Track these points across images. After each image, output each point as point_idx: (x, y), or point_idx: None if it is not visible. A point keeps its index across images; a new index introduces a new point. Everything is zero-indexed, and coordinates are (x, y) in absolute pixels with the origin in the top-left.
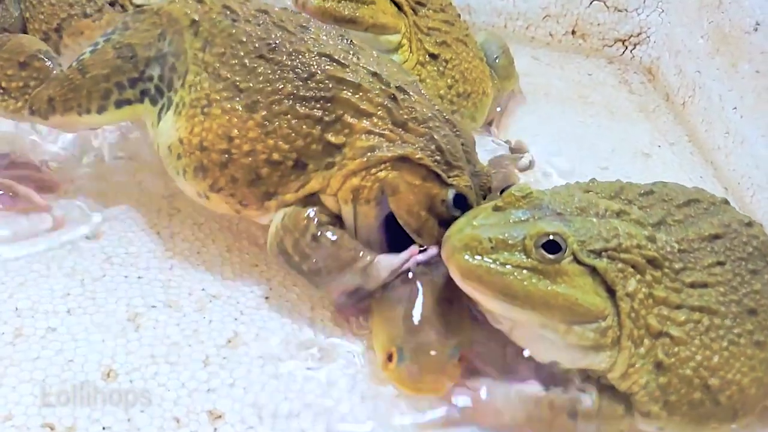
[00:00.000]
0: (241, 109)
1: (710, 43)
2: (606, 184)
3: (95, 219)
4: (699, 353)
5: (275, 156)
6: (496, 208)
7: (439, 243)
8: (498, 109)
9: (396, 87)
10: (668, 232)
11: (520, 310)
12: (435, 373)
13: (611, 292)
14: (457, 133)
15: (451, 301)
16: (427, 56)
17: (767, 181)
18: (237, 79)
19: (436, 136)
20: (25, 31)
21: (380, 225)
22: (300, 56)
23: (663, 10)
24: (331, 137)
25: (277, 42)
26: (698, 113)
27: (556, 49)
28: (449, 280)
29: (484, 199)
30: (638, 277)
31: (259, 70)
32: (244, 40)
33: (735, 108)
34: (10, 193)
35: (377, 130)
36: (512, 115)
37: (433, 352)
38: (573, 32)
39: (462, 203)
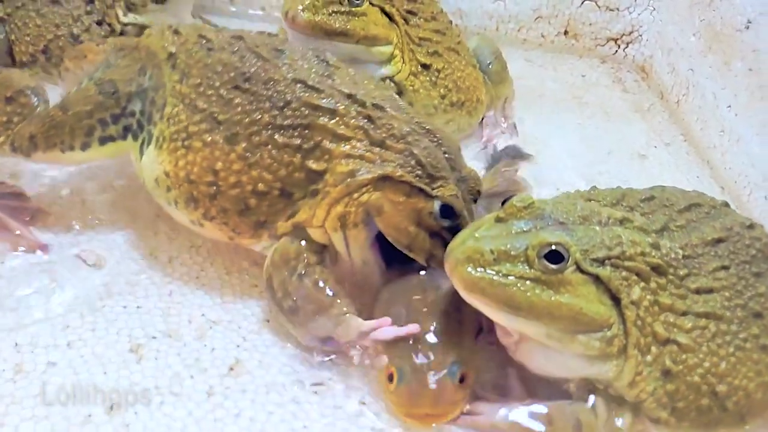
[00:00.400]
0: (221, 141)
1: (702, 41)
2: (607, 192)
3: (90, 245)
4: (707, 360)
5: (260, 187)
6: (498, 220)
7: (431, 255)
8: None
9: (372, 105)
10: (672, 238)
11: (525, 321)
12: (434, 394)
13: (616, 300)
14: (439, 142)
15: (451, 318)
16: (419, 66)
17: (764, 179)
18: (214, 110)
19: (415, 151)
20: (11, 54)
21: (373, 245)
22: (275, 85)
23: (654, 9)
24: (312, 164)
25: (252, 71)
26: (693, 112)
27: (548, 51)
28: (448, 297)
29: (475, 202)
30: (642, 284)
31: (236, 101)
32: (220, 69)
33: (729, 106)
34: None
35: (356, 153)
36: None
37: (432, 372)
38: (565, 33)
39: (449, 213)
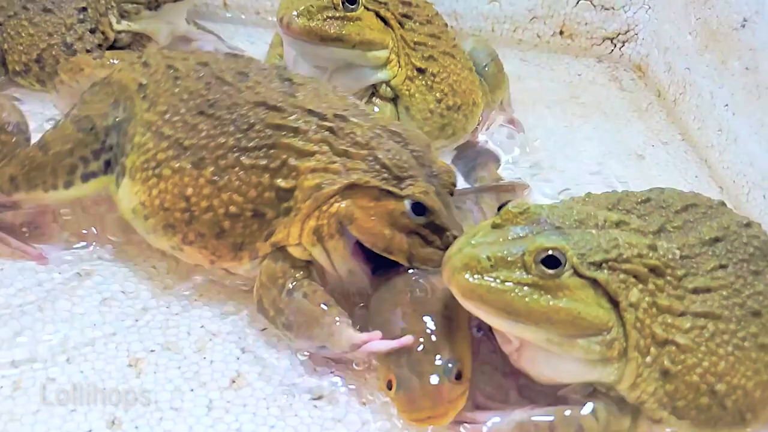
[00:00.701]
0: (189, 167)
1: (699, 40)
2: (602, 196)
3: (87, 258)
4: (705, 360)
5: (232, 209)
6: (495, 226)
7: (412, 255)
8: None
9: (334, 116)
10: (669, 239)
11: (524, 327)
12: (432, 395)
13: (614, 303)
14: (405, 142)
15: (440, 314)
16: (415, 71)
17: (762, 178)
18: (180, 136)
19: (379, 155)
20: (4, 63)
21: (355, 253)
22: (238, 108)
23: (650, 7)
24: (281, 182)
25: (216, 96)
26: (690, 111)
27: (544, 51)
28: (435, 293)
29: (452, 195)
30: (641, 286)
31: (200, 127)
32: (185, 97)
33: (726, 105)
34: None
35: (321, 166)
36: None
37: (427, 373)
38: (561, 32)
39: (421, 210)
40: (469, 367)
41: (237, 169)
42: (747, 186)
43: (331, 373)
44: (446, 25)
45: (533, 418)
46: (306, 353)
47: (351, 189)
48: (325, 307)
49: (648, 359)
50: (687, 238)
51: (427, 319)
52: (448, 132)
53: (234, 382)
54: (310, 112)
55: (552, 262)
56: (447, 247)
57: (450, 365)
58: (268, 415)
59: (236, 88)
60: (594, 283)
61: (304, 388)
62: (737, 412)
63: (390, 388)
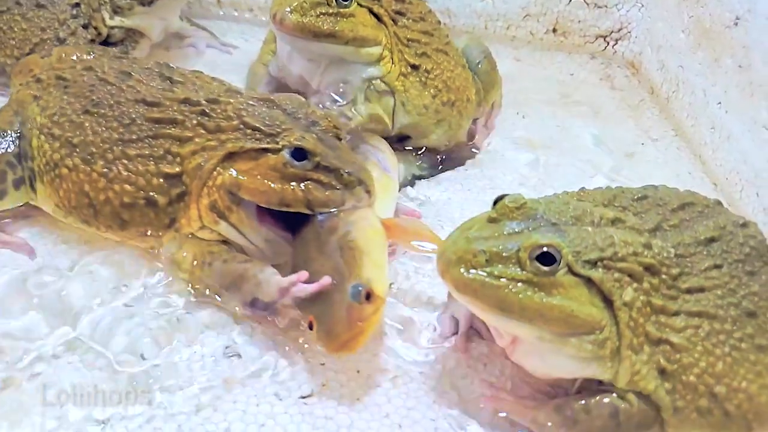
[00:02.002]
0: (81, 164)
1: (692, 38)
2: (598, 192)
3: (73, 247)
4: (702, 360)
5: (126, 199)
6: (491, 220)
7: (309, 201)
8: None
9: (206, 101)
10: (664, 238)
11: (517, 323)
12: (345, 320)
13: (608, 302)
14: (275, 105)
15: (344, 247)
16: (408, 67)
17: (755, 175)
18: (69, 135)
19: (249, 120)
20: None
21: (263, 220)
22: (120, 106)
23: (643, 5)
24: (166, 168)
25: (100, 96)
26: (683, 108)
27: (537, 48)
28: (336, 230)
29: (340, 140)
30: (635, 285)
31: (86, 124)
32: (72, 100)
33: (719, 103)
34: None
35: (199, 147)
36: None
37: (338, 304)
38: (554, 30)
39: (302, 154)
40: (383, 284)
41: (124, 160)
42: (740, 183)
43: (321, 365)
44: (439, 22)
45: (569, 402)
46: (244, 312)
47: (230, 158)
48: (247, 264)
49: (643, 356)
50: (682, 237)
51: (333, 255)
52: (444, 128)
53: (224, 380)
54: (185, 101)
55: (547, 259)
56: (347, 186)
57: (359, 289)
58: (258, 413)
59: (118, 87)
60: (588, 281)
61: (294, 387)
62: (742, 418)
63: (312, 329)
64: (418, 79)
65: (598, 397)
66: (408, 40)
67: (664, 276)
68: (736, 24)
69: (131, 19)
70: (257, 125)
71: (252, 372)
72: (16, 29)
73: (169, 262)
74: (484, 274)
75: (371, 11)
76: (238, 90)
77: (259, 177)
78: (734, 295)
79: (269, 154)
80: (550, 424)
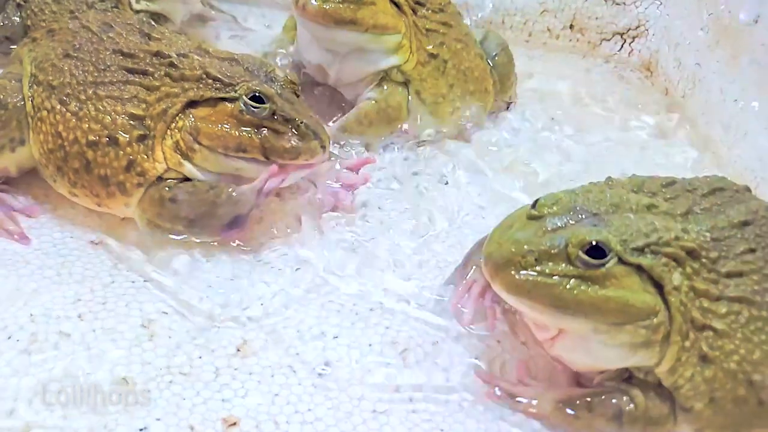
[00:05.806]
0: (58, 105)
1: (710, 36)
2: (625, 180)
3: (95, 224)
4: (742, 346)
5: (91, 137)
6: (531, 217)
7: (265, 149)
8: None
9: (177, 55)
10: (697, 222)
11: (572, 319)
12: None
13: (658, 287)
14: (236, 62)
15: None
16: (426, 56)
17: None
18: (50, 78)
19: (210, 70)
20: None
21: (229, 157)
22: (98, 53)
23: (661, 3)
24: (132, 109)
25: (81, 42)
26: (698, 106)
27: (554, 44)
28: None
29: (298, 97)
30: (680, 269)
31: (65, 68)
32: (56, 45)
33: (736, 100)
34: None
35: (164, 95)
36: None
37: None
38: (571, 27)
39: (258, 100)
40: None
41: (94, 100)
42: (756, 181)
43: (336, 338)
44: (459, 14)
45: (573, 398)
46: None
47: (192, 106)
48: (213, 189)
49: (687, 343)
50: (716, 221)
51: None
52: (462, 117)
53: (239, 350)
54: (157, 54)
55: (597, 252)
56: (303, 138)
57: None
58: (272, 383)
59: (99, 37)
60: (638, 268)
61: (309, 358)
62: None
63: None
64: (436, 68)
65: (603, 397)
66: (427, 30)
67: (704, 260)
68: (756, 22)
69: (156, 3)
70: (219, 76)
71: (268, 342)
72: (46, 11)
73: (137, 218)
74: (535, 273)
75: (392, 0)
76: (207, 49)
77: (216, 123)
78: None
79: (227, 102)
80: (550, 412)
